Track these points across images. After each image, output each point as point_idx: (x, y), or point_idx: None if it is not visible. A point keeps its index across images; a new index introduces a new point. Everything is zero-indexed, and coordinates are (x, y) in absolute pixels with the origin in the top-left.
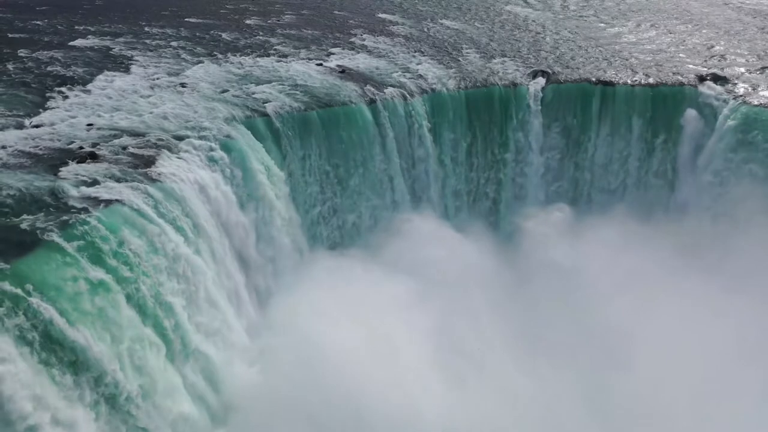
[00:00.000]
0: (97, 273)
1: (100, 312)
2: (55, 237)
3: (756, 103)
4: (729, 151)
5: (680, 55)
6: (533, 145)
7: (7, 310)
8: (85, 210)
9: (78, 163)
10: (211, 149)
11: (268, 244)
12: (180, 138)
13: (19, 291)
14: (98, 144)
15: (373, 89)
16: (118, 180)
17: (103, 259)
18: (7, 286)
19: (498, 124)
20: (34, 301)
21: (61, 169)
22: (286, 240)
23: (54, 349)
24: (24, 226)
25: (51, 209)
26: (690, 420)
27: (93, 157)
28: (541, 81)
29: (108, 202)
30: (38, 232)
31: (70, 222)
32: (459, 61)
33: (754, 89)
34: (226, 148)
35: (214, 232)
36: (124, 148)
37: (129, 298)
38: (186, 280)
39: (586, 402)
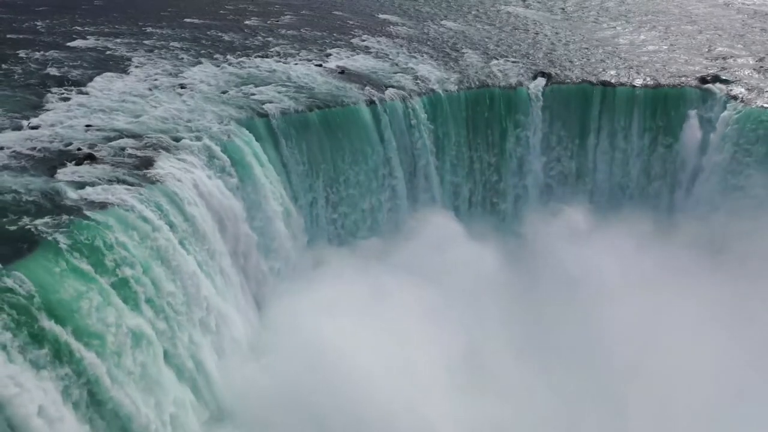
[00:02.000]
0: (137, 320)
1: (143, 370)
2: (85, 265)
3: (759, 104)
4: (733, 151)
5: (682, 56)
6: (534, 146)
7: (50, 356)
8: (108, 227)
9: (76, 164)
10: (226, 171)
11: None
12: (179, 139)
13: (58, 331)
14: (96, 145)
15: (373, 90)
16: (128, 184)
17: (139, 304)
18: (44, 320)
19: (498, 125)
20: (76, 347)
21: (59, 170)
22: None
23: (100, 411)
24: (39, 233)
25: (63, 219)
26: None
27: (91, 158)
28: (541, 82)
29: (105, 205)
30: (66, 254)
31: (96, 245)
32: (459, 62)
33: (756, 91)
34: (241, 177)
35: (236, 277)
36: (123, 149)
37: (167, 355)
38: (217, 332)
39: (604, 416)
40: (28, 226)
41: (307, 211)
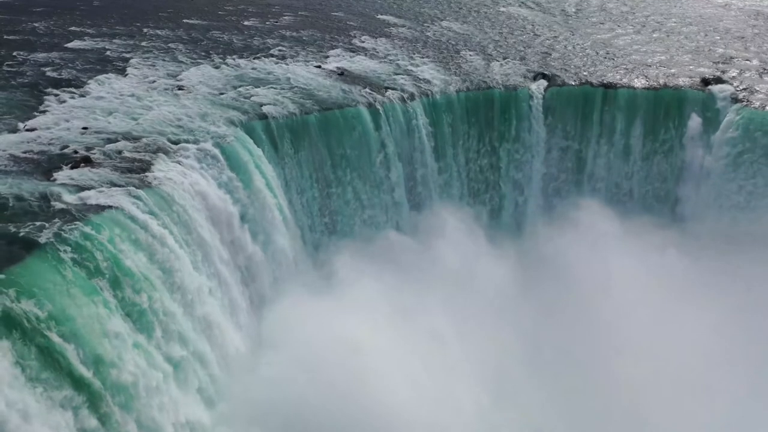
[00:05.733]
0: (191, 410)
1: None
2: (142, 337)
3: (762, 106)
4: (735, 152)
5: (683, 58)
6: (535, 147)
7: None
8: (152, 285)
9: (72, 167)
10: (225, 175)
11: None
12: (177, 142)
13: (120, 417)
14: (93, 148)
15: (372, 92)
16: (125, 188)
17: (191, 389)
18: (109, 403)
19: (499, 127)
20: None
21: (55, 174)
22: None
23: None
24: (68, 262)
25: (68, 234)
26: None
27: (87, 161)
28: (542, 84)
29: (102, 208)
30: (119, 315)
31: (143, 307)
32: (459, 63)
33: (759, 92)
34: (240, 181)
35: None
36: (120, 152)
37: None
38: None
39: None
40: (35, 236)
41: (306, 215)
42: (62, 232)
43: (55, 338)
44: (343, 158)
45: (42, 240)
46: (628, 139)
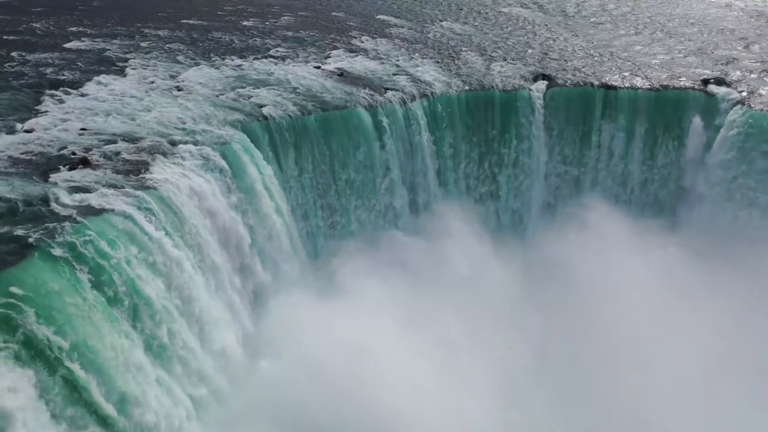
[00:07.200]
0: None
1: None
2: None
3: (763, 108)
4: (738, 155)
5: (684, 59)
6: (535, 150)
7: None
8: (170, 316)
9: (70, 169)
10: (224, 177)
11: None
12: (176, 143)
13: None
14: (91, 149)
15: (372, 93)
16: (123, 189)
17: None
18: None
19: (499, 128)
20: None
21: (52, 175)
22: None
23: None
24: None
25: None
26: None
27: (85, 162)
28: (542, 85)
29: (103, 211)
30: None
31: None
32: (459, 64)
33: (760, 94)
34: (239, 183)
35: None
36: (118, 153)
37: None
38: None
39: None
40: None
41: (305, 217)
42: (77, 244)
43: (79, 371)
44: (342, 160)
45: (56, 253)
46: (629, 140)
